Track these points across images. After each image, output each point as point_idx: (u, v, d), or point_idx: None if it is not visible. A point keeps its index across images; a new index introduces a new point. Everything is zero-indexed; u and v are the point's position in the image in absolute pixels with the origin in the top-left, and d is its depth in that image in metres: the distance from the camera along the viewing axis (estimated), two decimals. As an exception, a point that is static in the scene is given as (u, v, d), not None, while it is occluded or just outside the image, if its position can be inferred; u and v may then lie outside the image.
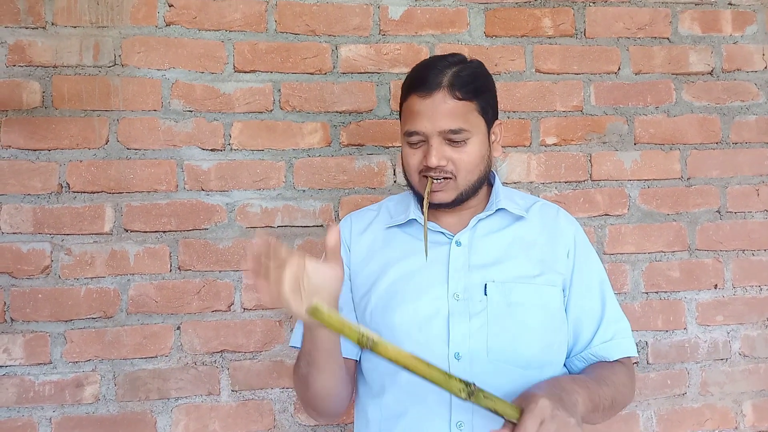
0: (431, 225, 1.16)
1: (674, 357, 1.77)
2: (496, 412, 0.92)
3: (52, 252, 1.57)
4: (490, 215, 1.17)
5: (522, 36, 1.76)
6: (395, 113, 1.71)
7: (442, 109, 1.07)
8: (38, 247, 1.56)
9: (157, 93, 1.63)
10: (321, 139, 1.68)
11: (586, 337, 1.17)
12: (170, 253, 1.61)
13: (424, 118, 1.08)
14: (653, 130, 1.80)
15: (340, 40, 1.70)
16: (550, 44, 1.77)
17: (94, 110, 1.60)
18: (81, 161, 1.59)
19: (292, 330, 1.57)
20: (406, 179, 1.18)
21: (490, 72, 1.73)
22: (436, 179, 1.10)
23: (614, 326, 1.18)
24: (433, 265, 1.12)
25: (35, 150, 1.58)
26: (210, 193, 1.63)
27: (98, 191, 1.59)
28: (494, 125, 1.17)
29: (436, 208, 1.14)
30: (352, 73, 1.70)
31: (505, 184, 1.73)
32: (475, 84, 1.11)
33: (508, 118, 1.75)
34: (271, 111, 1.67)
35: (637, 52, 1.80)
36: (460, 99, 1.08)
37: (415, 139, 1.10)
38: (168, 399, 1.58)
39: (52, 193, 1.58)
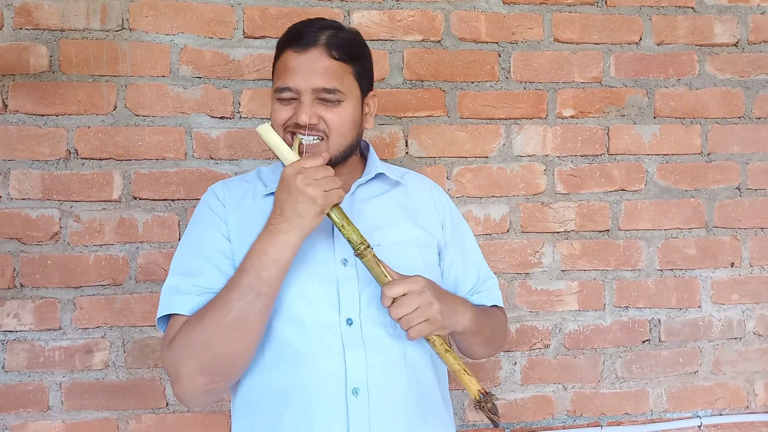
0: None
1: (687, 335, 1.74)
2: (375, 277, 1.00)
3: (60, 218, 1.56)
4: (369, 180, 1.16)
5: (540, 3, 1.70)
6: (408, 82, 1.67)
7: (317, 67, 1.04)
8: (47, 214, 1.56)
9: (165, 58, 1.59)
10: (332, 108, 1.65)
11: (465, 291, 1.21)
12: (179, 221, 1.60)
13: (297, 74, 1.04)
14: (674, 104, 1.74)
15: (353, 6, 1.65)
16: (570, 12, 1.71)
17: (101, 75, 1.57)
18: (89, 127, 1.57)
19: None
20: None
21: (508, 41, 1.70)
22: (307, 140, 1.05)
23: (488, 282, 1.25)
24: (316, 232, 1.03)
25: (43, 115, 1.56)
26: (219, 161, 1.61)
27: (106, 158, 1.58)
28: (368, 96, 1.16)
29: None
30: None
31: (520, 156, 1.70)
32: (352, 48, 1.09)
33: (524, 89, 1.70)
34: (282, 78, 1.63)
35: (660, 21, 1.74)
36: (336, 59, 1.05)
37: (286, 95, 1.05)
38: (177, 367, 1.59)
39: (60, 159, 1.56)
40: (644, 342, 1.74)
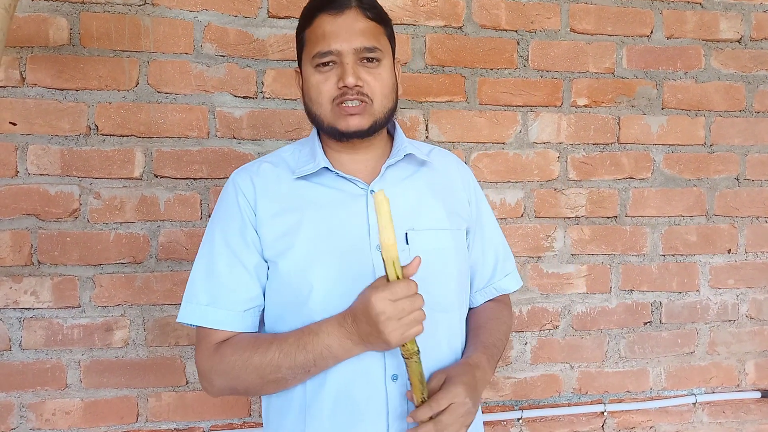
0: (340, 174, 1.09)
1: (686, 317, 1.83)
2: (411, 381, 0.95)
3: (80, 195, 1.54)
4: (399, 161, 1.13)
5: (558, -6, 1.75)
6: (430, 67, 1.69)
7: (356, 27, 1.03)
8: (66, 190, 1.53)
9: (188, 35, 1.58)
10: (354, 91, 1.66)
11: (487, 274, 1.23)
12: (201, 200, 1.59)
13: (338, 36, 1.03)
14: (681, 96, 1.81)
15: (377, -11, 1.66)
16: (586, 3, 1.76)
17: (123, 50, 1.55)
18: (110, 103, 1.55)
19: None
20: (312, 114, 1.09)
21: (527, 29, 1.74)
22: (353, 102, 1.03)
23: (510, 261, 1.27)
24: (351, 217, 1.06)
25: (62, 90, 1.53)
26: (241, 141, 1.61)
27: (128, 135, 1.56)
28: (395, 62, 1.13)
29: (348, 139, 1.08)
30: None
31: (535, 143, 1.74)
32: (380, 9, 1.09)
33: (542, 77, 1.74)
34: (305, 59, 1.63)
35: (671, 15, 1.80)
36: (371, 19, 1.06)
37: (327, 59, 1.03)
38: (197, 345, 1.59)
39: (81, 135, 1.54)
40: (646, 324, 1.82)
